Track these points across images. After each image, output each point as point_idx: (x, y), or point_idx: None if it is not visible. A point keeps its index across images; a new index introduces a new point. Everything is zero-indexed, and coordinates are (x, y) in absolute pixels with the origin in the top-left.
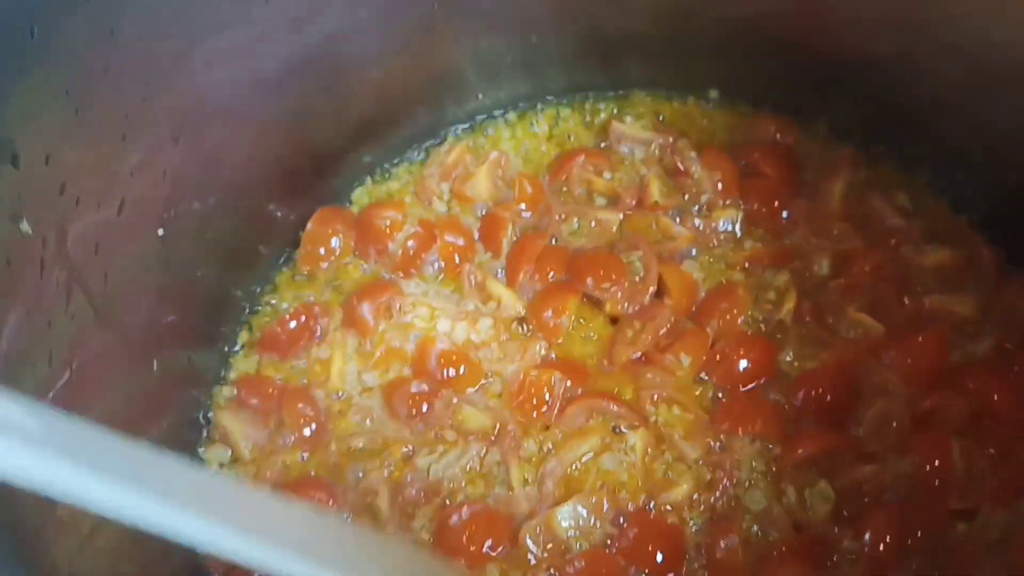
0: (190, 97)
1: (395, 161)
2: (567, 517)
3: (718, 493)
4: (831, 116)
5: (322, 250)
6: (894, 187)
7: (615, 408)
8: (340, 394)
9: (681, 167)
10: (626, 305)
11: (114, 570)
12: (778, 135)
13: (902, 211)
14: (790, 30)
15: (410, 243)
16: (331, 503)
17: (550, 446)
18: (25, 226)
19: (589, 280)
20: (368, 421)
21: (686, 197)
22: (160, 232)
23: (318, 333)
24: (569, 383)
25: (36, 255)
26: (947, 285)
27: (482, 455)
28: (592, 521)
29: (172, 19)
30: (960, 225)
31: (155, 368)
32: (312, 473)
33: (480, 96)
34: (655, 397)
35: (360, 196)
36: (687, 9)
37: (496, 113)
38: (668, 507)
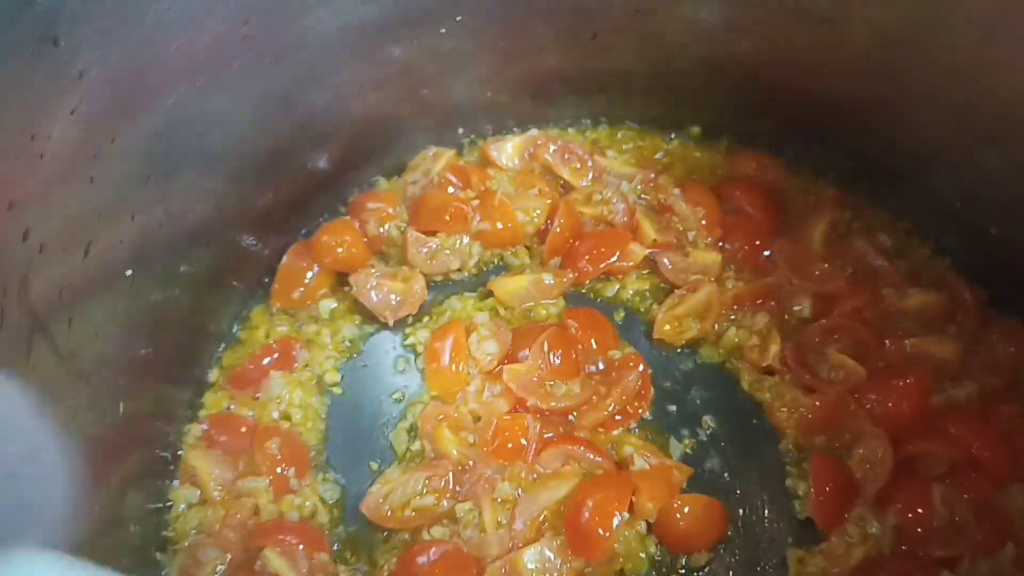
0: (162, 137)
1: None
2: (533, 559)
3: None
4: (814, 156)
5: (298, 286)
6: (877, 228)
7: (591, 456)
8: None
9: (664, 203)
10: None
11: None
12: (760, 173)
13: (885, 252)
14: (772, 72)
15: None
16: (301, 546)
17: (521, 491)
18: None
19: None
20: None
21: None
22: (128, 272)
23: (295, 366)
24: (539, 427)
25: None
26: (929, 328)
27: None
28: (558, 564)
29: (144, 62)
30: (942, 267)
31: (121, 410)
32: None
33: (460, 130)
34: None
35: None
36: (669, 48)
37: (477, 144)
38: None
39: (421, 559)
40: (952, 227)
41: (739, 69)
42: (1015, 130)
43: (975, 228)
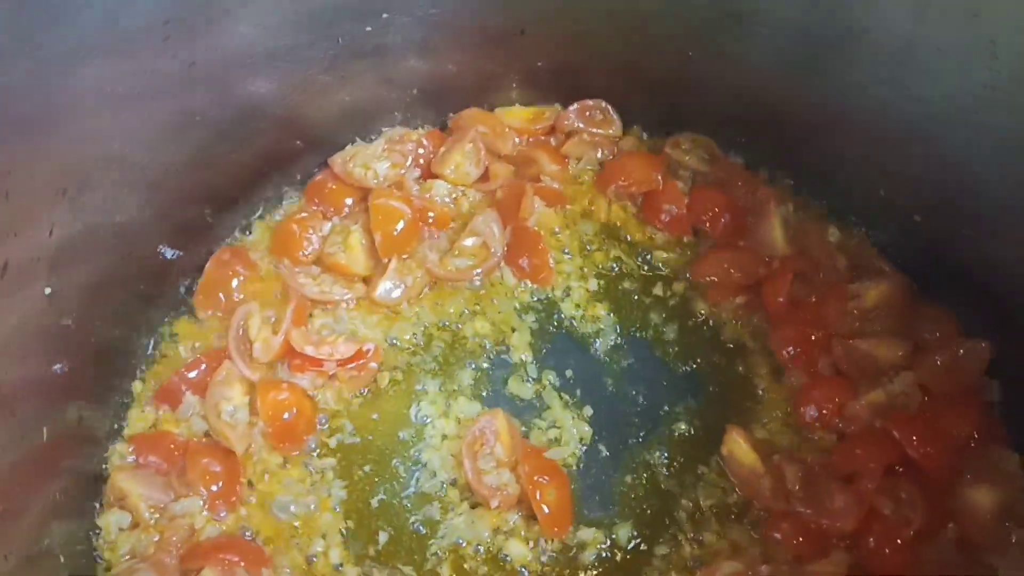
0: (79, 148)
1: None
2: None
3: None
4: (743, 151)
5: (221, 294)
6: (824, 223)
7: None
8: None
9: None
10: None
11: None
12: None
13: (832, 247)
14: (697, 68)
15: None
16: (242, 564)
17: None
18: None
19: None
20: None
21: None
22: (47, 291)
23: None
24: None
25: None
26: (872, 324)
27: None
28: None
29: (61, 70)
30: (876, 258)
31: (44, 435)
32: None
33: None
34: None
35: (262, 230)
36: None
37: None
38: None
39: None
40: (882, 219)
41: (664, 65)
42: (932, 128)
43: (903, 219)
